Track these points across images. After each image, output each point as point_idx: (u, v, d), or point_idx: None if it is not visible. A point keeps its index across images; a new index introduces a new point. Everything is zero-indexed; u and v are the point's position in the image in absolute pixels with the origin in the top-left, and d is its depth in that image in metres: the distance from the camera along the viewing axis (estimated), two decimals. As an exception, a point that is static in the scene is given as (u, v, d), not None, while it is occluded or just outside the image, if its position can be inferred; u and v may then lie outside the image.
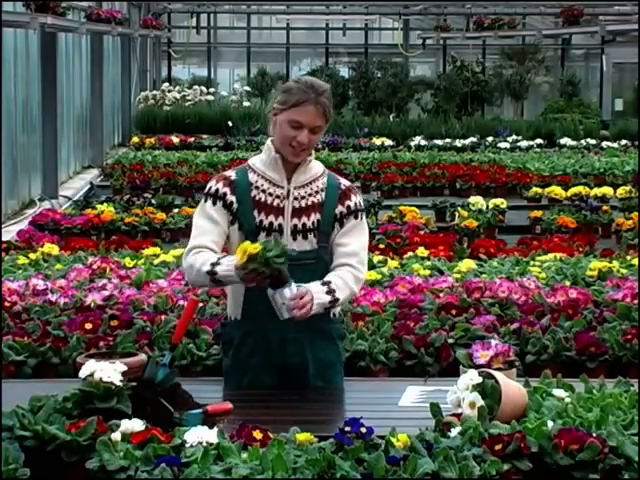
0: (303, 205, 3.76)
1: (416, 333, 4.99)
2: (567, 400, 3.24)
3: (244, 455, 2.87)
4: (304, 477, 2.77)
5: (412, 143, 17.89)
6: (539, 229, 10.02)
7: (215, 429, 2.99)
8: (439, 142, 17.96)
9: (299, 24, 26.46)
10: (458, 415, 3.15)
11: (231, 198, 3.75)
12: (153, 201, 10.86)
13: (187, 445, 2.92)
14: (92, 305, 5.44)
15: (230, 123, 19.22)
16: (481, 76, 25.14)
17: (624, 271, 6.71)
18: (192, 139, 17.97)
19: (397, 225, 9.08)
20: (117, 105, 19.83)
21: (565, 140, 18.72)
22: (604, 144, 18.39)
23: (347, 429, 2.91)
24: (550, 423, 3.02)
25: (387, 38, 26.95)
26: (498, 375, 3.24)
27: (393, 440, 2.90)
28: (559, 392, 3.30)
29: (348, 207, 3.80)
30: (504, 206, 10.43)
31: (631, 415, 3.13)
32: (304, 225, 3.75)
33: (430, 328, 5.05)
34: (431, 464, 2.82)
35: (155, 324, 5.07)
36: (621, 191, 11.62)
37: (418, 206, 10.21)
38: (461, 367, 3.53)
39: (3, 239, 8.29)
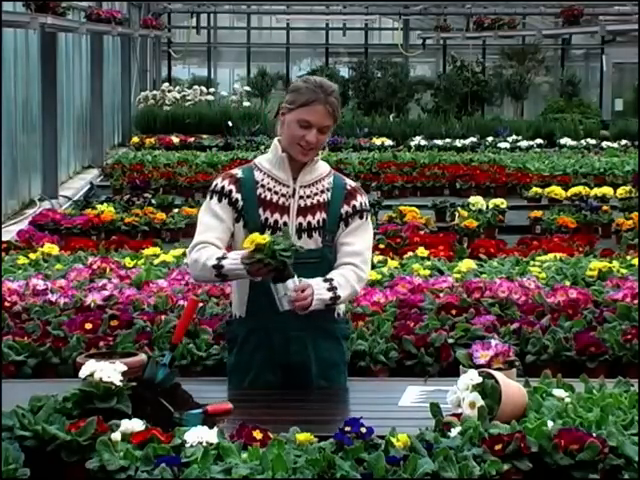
0: (308, 204, 3.78)
1: (416, 333, 4.99)
2: (567, 400, 3.24)
3: (244, 455, 2.87)
4: (304, 477, 2.77)
5: (412, 143, 17.90)
6: (539, 229, 10.02)
7: (215, 429, 2.99)
8: (439, 142, 17.96)
9: (299, 24, 26.46)
10: (458, 415, 3.15)
11: (236, 196, 3.77)
12: (153, 201, 10.86)
13: (187, 445, 2.92)
14: (92, 305, 5.44)
15: (230, 123, 19.22)
16: (481, 76, 25.13)
17: (624, 271, 6.71)
18: (192, 139, 17.97)
19: (397, 225, 9.08)
20: (117, 105, 19.83)
21: (565, 140, 18.72)
22: (604, 144, 18.39)
23: (347, 429, 2.92)
24: (550, 423, 3.02)
25: (387, 38, 26.95)
26: (498, 375, 3.24)
27: (393, 440, 2.90)
28: (559, 392, 3.30)
29: (354, 207, 3.82)
30: (504, 206, 10.43)
31: (631, 415, 3.14)
32: (309, 224, 3.76)
33: (430, 328, 5.05)
34: (431, 464, 2.82)
35: (155, 324, 5.07)
36: (621, 191, 11.62)
37: (418, 206, 10.21)
38: (461, 367, 3.53)
39: (3, 239, 8.29)
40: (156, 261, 7.07)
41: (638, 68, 20.10)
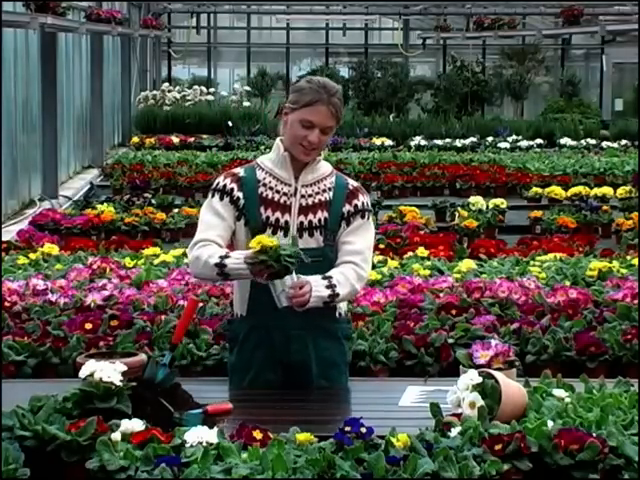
0: (310, 203, 3.79)
1: (416, 333, 4.99)
2: (567, 400, 3.24)
3: (244, 455, 2.87)
4: (304, 477, 2.78)
5: (412, 143, 17.90)
6: (539, 229, 10.02)
7: (215, 429, 2.99)
8: (439, 142, 17.96)
9: (299, 24, 26.46)
10: (458, 415, 3.15)
11: (238, 194, 3.78)
12: (153, 201, 10.86)
13: (187, 445, 2.93)
14: (92, 305, 5.44)
15: (230, 123, 19.22)
16: (481, 76, 25.13)
17: (624, 271, 6.71)
18: (192, 139, 17.97)
19: (397, 225, 9.08)
20: (117, 105, 19.83)
21: (565, 140, 18.72)
22: (604, 144, 18.39)
23: (347, 429, 2.92)
24: (550, 423, 3.02)
25: (387, 38, 26.95)
26: (498, 375, 3.24)
27: (393, 440, 2.90)
28: (559, 392, 3.30)
29: (355, 206, 3.83)
30: (504, 206, 10.43)
31: (631, 415, 3.14)
32: (310, 222, 3.77)
33: (430, 328, 5.05)
34: (431, 464, 2.82)
35: (155, 324, 5.07)
36: (621, 191, 11.61)
37: (418, 206, 10.21)
38: (461, 367, 3.53)
39: (3, 239, 8.29)
40: (156, 261, 7.07)
41: (638, 68, 20.10)
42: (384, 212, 10.09)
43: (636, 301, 5.51)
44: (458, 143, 17.90)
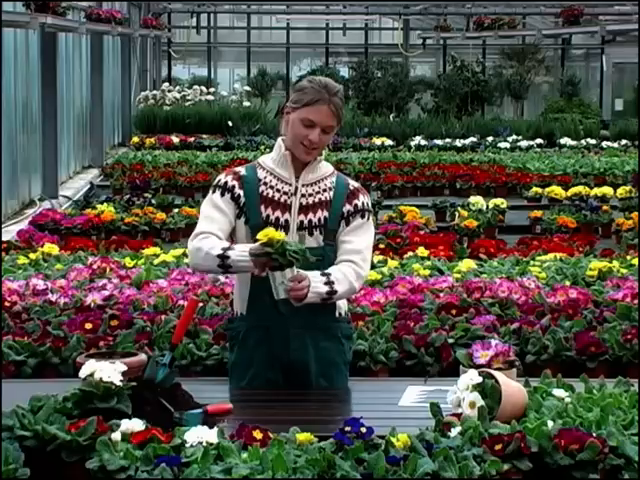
0: (310, 202, 3.80)
1: (416, 333, 4.99)
2: (567, 400, 3.24)
3: (244, 455, 2.87)
4: (304, 477, 2.78)
5: (412, 143, 17.90)
6: (539, 229, 10.02)
7: (215, 429, 2.99)
8: (439, 142, 17.97)
9: (299, 24, 26.47)
10: (458, 415, 3.15)
11: (239, 192, 3.79)
12: (153, 201, 10.86)
13: (187, 445, 2.93)
14: (92, 305, 5.44)
15: (230, 123, 19.22)
16: (481, 76, 25.12)
17: (624, 271, 6.71)
18: (192, 139, 17.97)
19: (397, 225, 9.08)
20: (117, 105, 19.83)
21: (565, 140, 18.73)
22: (604, 144, 18.40)
23: (347, 429, 2.92)
24: (550, 423, 3.02)
25: (387, 38, 26.96)
26: (498, 375, 3.24)
27: (393, 440, 2.90)
28: (559, 392, 3.30)
29: (355, 206, 3.83)
30: (504, 206, 10.43)
31: (631, 415, 3.14)
32: (310, 221, 3.78)
33: (430, 328, 5.05)
34: (431, 464, 2.82)
35: (155, 324, 5.07)
36: (621, 191, 11.61)
37: (418, 206, 10.21)
38: (461, 367, 3.53)
39: (3, 239, 8.29)
40: (156, 261, 7.07)
41: (638, 68, 20.10)
42: (384, 212, 10.09)
43: (636, 301, 5.51)
44: (458, 143, 17.90)
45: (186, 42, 25.45)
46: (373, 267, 6.68)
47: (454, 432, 3.01)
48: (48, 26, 10.91)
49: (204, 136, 18.55)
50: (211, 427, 3.01)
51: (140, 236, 9.40)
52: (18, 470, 2.86)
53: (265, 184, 3.81)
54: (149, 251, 7.45)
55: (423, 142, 17.94)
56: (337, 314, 3.86)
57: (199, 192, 11.91)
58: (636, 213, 9.86)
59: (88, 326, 4.96)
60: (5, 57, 10.58)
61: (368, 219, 3.86)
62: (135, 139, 18.21)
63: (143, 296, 5.67)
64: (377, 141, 18.09)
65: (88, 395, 3.17)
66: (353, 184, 3.91)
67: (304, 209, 3.79)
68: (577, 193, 11.57)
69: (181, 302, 5.51)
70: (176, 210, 10.34)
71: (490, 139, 18.55)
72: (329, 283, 3.66)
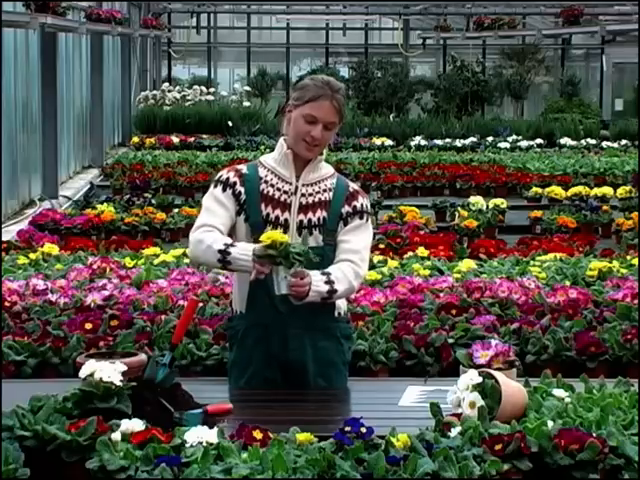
0: (310, 202, 3.82)
1: (416, 333, 4.99)
2: (567, 400, 3.24)
3: (244, 455, 2.87)
4: (304, 477, 2.78)
5: (412, 143, 17.90)
6: (539, 229, 10.02)
7: (215, 429, 2.99)
8: (439, 142, 17.97)
9: (299, 24, 26.47)
10: (458, 415, 3.15)
11: (240, 189, 3.80)
12: (153, 201, 10.86)
13: (187, 445, 2.93)
14: (92, 305, 5.44)
15: (230, 123, 19.22)
16: (481, 76, 25.12)
17: (624, 271, 6.71)
18: (192, 139, 17.97)
19: (397, 225, 9.08)
20: (117, 105, 19.83)
21: (565, 140, 18.73)
22: (604, 144, 18.40)
23: (347, 429, 2.92)
24: (550, 423, 3.02)
25: (387, 38, 26.96)
26: (498, 375, 3.24)
27: (393, 440, 2.90)
28: (559, 392, 3.30)
29: (354, 207, 3.85)
30: (504, 206, 10.42)
31: (631, 415, 3.14)
32: (309, 221, 3.79)
33: (430, 328, 5.05)
34: (431, 464, 2.82)
35: (155, 324, 5.07)
36: (621, 191, 11.61)
37: (418, 206, 10.21)
38: (461, 367, 3.53)
39: (3, 239, 8.29)
40: (156, 261, 7.06)
41: (638, 68, 20.10)
42: (384, 212, 10.09)
43: (636, 301, 5.51)
44: (458, 143, 17.90)
45: (186, 42, 25.45)
46: (373, 267, 6.68)
47: (454, 432, 3.01)
48: (48, 26, 10.91)
49: (204, 136, 18.55)
50: (211, 427, 3.01)
51: (140, 236, 9.40)
52: (18, 470, 2.86)
53: (266, 182, 3.82)
54: (149, 251, 7.45)
55: (423, 142, 17.94)
56: (336, 314, 3.86)
57: (199, 192, 11.89)
58: (636, 213, 9.86)
59: (88, 326, 4.96)
60: (5, 57, 10.58)
61: (367, 220, 3.88)
62: (135, 139, 18.21)
63: (143, 296, 5.67)
64: (377, 141, 18.09)
65: (88, 395, 3.17)
66: (353, 186, 3.93)
67: (304, 208, 3.80)
68: (577, 193, 11.57)
69: (181, 302, 5.51)
70: (176, 210, 10.34)
71: (490, 139, 18.55)
72: (329, 282, 3.67)
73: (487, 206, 10.26)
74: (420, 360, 4.85)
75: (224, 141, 17.86)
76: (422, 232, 8.84)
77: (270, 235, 3.54)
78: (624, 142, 18.50)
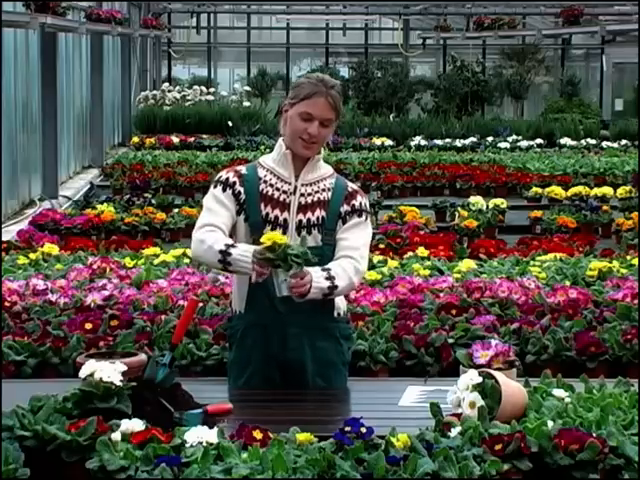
0: (309, 201, 3.83)
1: (416, 333, 4.99)
2: (567, 400, 3.24)
3: (244, 455, 2.87)
4: (304, 477, 2.77)
5: (412, 143, 17.90)
6: (539, 229, 10.02)
7: (215, 429, 2.99)
8: (439, 142, 17.97)
9: (299, 24, 26.47)
10: (458, 415, 3.15)
11: (239, 189, 3.82)
12: (153, 201, 10.86)
13: (187, 445, 2.93)
14: (92, 305, 5.44)
15: (230, 123, 19.22)
16: (481, 76, 25.12)
17: (624, 271, 6.71)
18: (192, 139, 17.97)
19: (397, 225, 9.08)
20: (117, 105, 19.83)
21: (565, 140, 18.73)
22: (604, 144, 18.39)
23: (347, 429, 2.92)
24: (550, 423, 3.02)
25: (387, 38, 26.96)
26: (498, 375, 3.24)
27: (393, 440, 2.90)
28: (559, 392, 3.30)
29: (353, 206, 3.86)
30: (504, 206, 10.43)
31: (631, 415, 3.14)
32: (309, 220, 3.81)
33: (430, 328, 5.05)
34: (431, 464, 2.82)
35: (155, 324, 5.07)
36: (621, 191, 11.61)
37: (418, 206, 10.21)
38: (461, 367, 3.53)
39: (3, 239, 8.29)
40: (156, 261, 7.07)
41: (638, 68, 20.10)
42: (384, 212, 10.09)
43: (636, 301, 5.51)
44: (458, 143, 17.90)
45: (186, 42, 25.45)
46: (373, 267, 6.68)
47: (454, 432, 3.01)
48: (48, 26, 10.91)
49: (204, 136, 18.55)
50: (211, 427, 3.01)
51: (140, 236, 9.40)
52: (18, 470, 2.86)
53: (265, 182, 3.83)
54: (149, 251, 7.45)
55: (423, 142, 17.93)
56: (335, 314, 3.87)
57: (199, 192, 11.89)
58: (636, 213, 9.86)
59: (88, 326, 4.96)
60: (5, 57, 10.58)
61: (366, 219, 3.89)
62: (135, 139, 18.20)
63: (143, 296, 5.67)
64: (377, 141, 18.09)
65: (88, 395, 3.17)
66: (352, 186, 3.94)
67: (303, 208, 3.81)
68: (577, 193, 11.57)
69: (181, 302, 5.51)
70: (176, 210, 10.34)
71: (490, 139, 18.55)
72: (330, 278, 3.68)
73: (487, 206, 10.26)
74: (420, 360, 4.85)
75: (224, 141, 17.86)
76: (422, 232, 8.84)
77: (270, 236, 3.55)
78: (624, 142, 18.50)
